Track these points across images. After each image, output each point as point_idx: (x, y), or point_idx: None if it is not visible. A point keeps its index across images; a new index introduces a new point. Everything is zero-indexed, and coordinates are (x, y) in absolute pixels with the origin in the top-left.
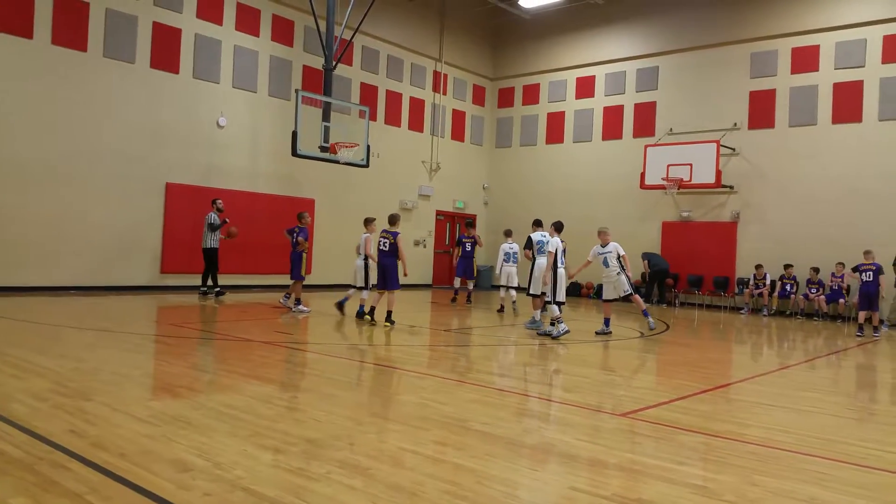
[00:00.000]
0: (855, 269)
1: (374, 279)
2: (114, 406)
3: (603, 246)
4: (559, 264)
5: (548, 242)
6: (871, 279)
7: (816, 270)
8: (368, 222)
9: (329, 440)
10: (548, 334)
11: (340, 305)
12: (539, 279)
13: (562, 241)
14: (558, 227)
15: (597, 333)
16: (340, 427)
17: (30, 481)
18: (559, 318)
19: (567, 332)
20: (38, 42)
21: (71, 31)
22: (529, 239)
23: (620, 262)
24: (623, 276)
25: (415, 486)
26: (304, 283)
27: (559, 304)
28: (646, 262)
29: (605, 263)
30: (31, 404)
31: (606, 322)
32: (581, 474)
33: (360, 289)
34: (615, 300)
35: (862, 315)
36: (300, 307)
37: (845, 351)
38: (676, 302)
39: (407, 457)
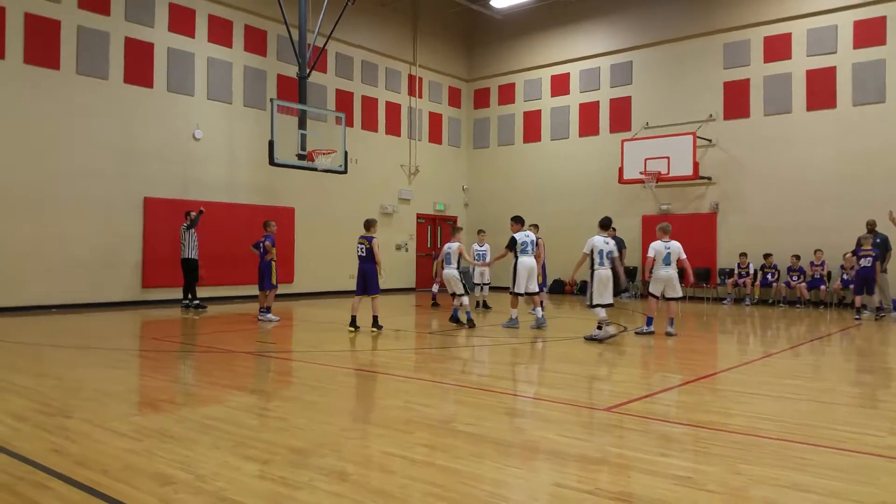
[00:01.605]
0: (854, 253)
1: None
2: (95, 423)
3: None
4: (598, 264)
5: (609, 243)
6: (870, 265)
7: (798, 258)
8: (456, 231)
9: (313, 448)
10: (595, 339)
11: (456, 319)
12: (524, 278)
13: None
14: (605, 225)
15: (667, 335)
16: (324, 434)
17: (11, 502)
18: (605, 320)
19: (612, 335)
20: (10, 61)
21: (43, 49)
22: (512, 239)
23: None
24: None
25: (400, 490)
26: (284, 292)
27: (605, 305)
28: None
29: (667, 261)
30: (11, 424)
31: (671, 322)
32: (566, 471)
33: (461, 295)
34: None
35: (858, 299)
36: (268, 316)
37: (828, 337)
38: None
39: (392, 461)
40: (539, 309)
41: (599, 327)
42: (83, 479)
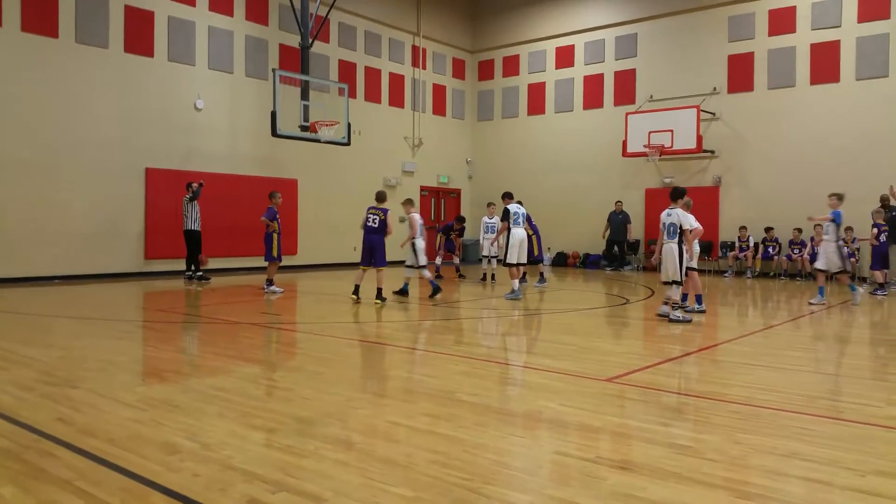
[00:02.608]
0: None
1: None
2: (101, 393)
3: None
4: (665, 238)
5: (672, 215)
6: (887, 239)
7: (799, 231)
8: (411, 203)
9: (318, 417)
10: (683, 320)
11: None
12: (516, 248)
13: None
14: (674, 195)
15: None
16: (329, 404)
17: (17, 470)
18: (678, 302)
19: (688, 320)
20: (7, 30)
21: (41, 18)
22: (506, 210)
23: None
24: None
25: (405, 458)
26: (288, 263)
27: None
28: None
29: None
30: (16, 394)
31: (698, 299)
32: (568, 439)
33: (420, 267)
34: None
35: (879, 274)
36: (272, 288)
37: (828, 309)
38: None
39: (396, 430)
40: (516, 282)
41: (675, 307)
42: (90, 448)
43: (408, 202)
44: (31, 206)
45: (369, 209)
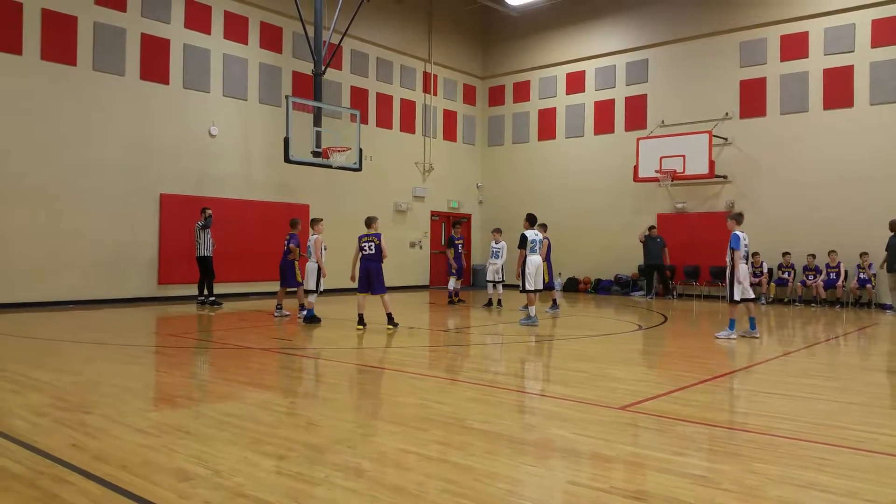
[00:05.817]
0: None
1: (311, 283)
2: (114, 418)
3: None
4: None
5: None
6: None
7: (813, 256)
8: (316, 223)
9: (329, 444)
10: None
11: (312, 318)
12: (532, 275)
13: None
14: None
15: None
16: (341, 431)
17: (31, 496)
18: None
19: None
20: (27, 58)
21: (60, 46)
22: (523, 237)
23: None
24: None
25: (416, 487)
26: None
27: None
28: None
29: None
30: (30, 419)
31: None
32: (581, 469)
33: (314, 292)
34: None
35: None
36: (303, 313)
37: (844, 336)
38: (674, 293)
39: (407, 458)
40: (532, 308)
41: None
42: (103, 475)
43: (312, 222)
44: (46, 231)
45: (361, 237)
